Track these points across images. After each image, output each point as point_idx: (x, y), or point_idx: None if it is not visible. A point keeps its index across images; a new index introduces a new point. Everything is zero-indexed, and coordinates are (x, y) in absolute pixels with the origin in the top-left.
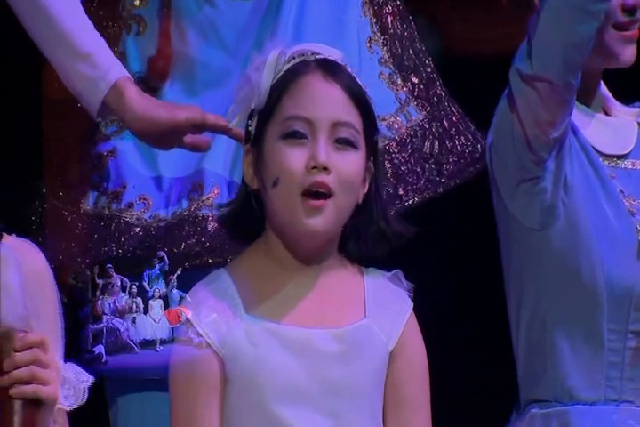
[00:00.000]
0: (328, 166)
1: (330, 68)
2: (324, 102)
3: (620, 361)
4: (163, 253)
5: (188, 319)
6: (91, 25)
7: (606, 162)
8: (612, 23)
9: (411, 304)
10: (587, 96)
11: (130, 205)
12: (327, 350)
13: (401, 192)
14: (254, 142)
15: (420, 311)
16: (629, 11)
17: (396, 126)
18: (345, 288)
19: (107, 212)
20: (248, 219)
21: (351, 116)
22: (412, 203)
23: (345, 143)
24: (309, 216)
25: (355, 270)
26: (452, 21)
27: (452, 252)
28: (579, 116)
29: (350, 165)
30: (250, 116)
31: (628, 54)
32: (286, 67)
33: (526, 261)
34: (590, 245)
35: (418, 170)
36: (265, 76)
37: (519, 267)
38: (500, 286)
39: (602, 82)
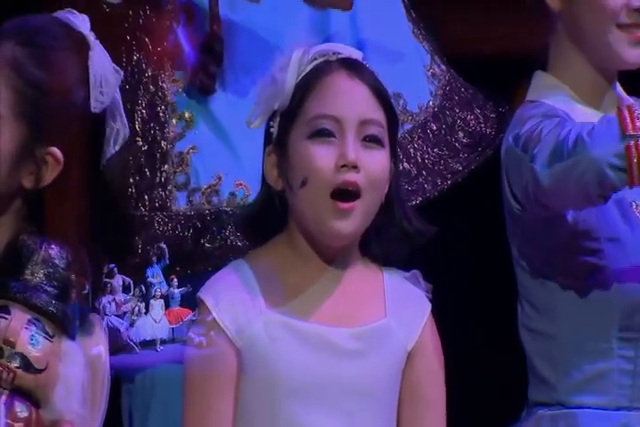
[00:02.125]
0: (358, 164)
1: (353, 67)
2: (351, 100)
3: (631, 369)
4: (163, 246)
5: (207, 308)
6: None
7: None
8: (615, 23)
9: (429, 305)
10: (596, 99)
11: (232, 195)
12: (345, 348)
13: (477, 138)
14: (277, 143)
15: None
16: (638, 12)
17: (438, 76)
18: (366, 286)
19: (207, 206)
20: (268, 220)
21: (377, 113)
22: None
23: (373, 141)
24: (338, 219)
25: (375, 269)
26: (451, 21)
27: (463, 249)
28: (590, 120)
29: (378, 163)
30: (271, 118)
31: (633, 56)
32: (310, 66)
33: (538, 272)
34: (602, 256)
35: (475, 114)
36: (289, 75)
37: (530, 277)
38: (512, 284)
39: (617, 84)
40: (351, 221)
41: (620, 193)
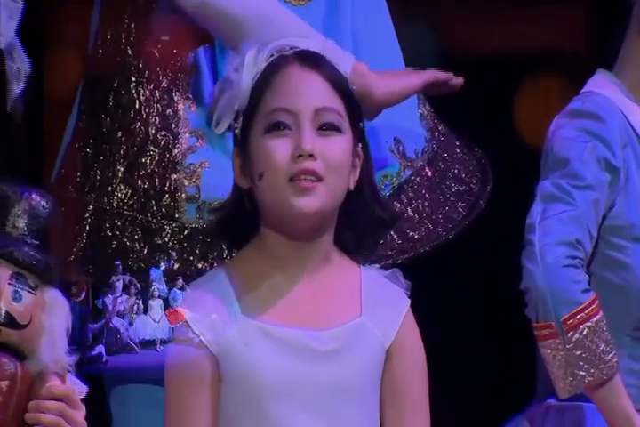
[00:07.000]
0: (314, 153)
1: (307, 58)
2: (305, 91)
3: (639, 369)
4: (173, 252)
5: (183, 319)
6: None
7: None
8: None
9: (408, 301)
10: None
11: None
12: (321, 349)
13: (467, 185)
14: (241, 143)
15: (434, 305)
16: None
17: (425, 117)
18: (341, 286)
19: None
20: (240, 222)
21: (333, 101)
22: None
23: (330, 128)
24: (299, 197)
25: (352, 267)
26: (452, 21)
27: (460, 246)
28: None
29: (337, 148)
30: (235, 119)
31: None
32: (265, 64)
33: None
34: (627, 253)
35: (462, 161)
36: (244, 75)
37: None
38: (516, 280)
39: None
40: (313, 199)
41: None
